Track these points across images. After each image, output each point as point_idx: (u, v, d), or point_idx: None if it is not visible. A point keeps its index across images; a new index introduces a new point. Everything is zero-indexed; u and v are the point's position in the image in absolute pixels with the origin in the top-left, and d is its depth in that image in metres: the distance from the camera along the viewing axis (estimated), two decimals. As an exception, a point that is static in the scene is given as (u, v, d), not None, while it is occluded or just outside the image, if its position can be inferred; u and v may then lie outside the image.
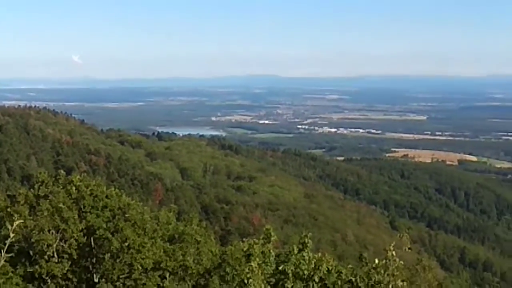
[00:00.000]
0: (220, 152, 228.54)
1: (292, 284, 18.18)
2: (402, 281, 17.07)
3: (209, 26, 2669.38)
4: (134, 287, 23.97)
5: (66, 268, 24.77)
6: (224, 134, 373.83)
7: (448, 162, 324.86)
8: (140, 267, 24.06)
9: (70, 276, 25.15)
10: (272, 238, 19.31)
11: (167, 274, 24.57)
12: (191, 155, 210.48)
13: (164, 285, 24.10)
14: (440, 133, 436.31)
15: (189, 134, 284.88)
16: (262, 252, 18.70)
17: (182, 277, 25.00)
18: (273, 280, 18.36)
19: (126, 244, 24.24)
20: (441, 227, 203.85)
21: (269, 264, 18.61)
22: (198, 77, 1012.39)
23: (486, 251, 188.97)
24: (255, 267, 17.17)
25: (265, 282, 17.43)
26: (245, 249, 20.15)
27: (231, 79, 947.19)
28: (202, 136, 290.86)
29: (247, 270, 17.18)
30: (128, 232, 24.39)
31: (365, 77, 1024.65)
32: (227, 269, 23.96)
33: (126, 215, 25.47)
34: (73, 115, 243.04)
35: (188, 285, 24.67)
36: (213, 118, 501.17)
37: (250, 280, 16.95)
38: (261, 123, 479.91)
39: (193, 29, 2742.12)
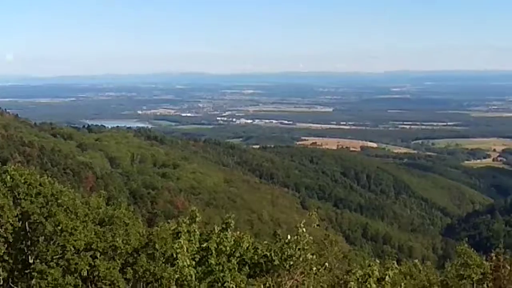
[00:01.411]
0: (146, 143, 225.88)
1: (215, 259, 18.21)
2: (312, 254, 17.30)
3: (142, 24, 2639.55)
4: (67, 266, 23.49)
5: (2, 251, 24.15)
6: (149, 126, 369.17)
7: (352, 149, 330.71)
8: (73, 248, 23.60)
9: (6, 258, 24.56)
10: (197, 219, 19.25)
11: (98, 254, 24.18)
12: (119, 145, 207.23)
13: (95, 264, 23.71)
14: (344, 123, 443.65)
15: (117, 126, 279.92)
16: (188, 231, 18.64)
17: (112, 256, 24.65)
18: (198, 256, 18.32)
19: (59, 227, 23.73)
20: (346, 206, 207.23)
21: (194, 242, 18.57)
22: (130, 74, 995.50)
23: (385, 226, 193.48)
24: (184, 244, 17.12)
25: (190, 258, 17.39)
26: (173, 228, 20.07)
27: (159, 76, 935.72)
28: (129, 128, 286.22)
29: (176, 246, 17.11)
30: (61, 216, 23.90)
31: (280, 74, 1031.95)
32: (157, 246, 23.76)
33: (59, 201, 24.94)
34: (7, 110, 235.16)
35: (118, 263, 24.35)
36: (140, 112, 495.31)
37: (179, 256, 16.88)
38: (184, 116, 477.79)
39: (127, 28, 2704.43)
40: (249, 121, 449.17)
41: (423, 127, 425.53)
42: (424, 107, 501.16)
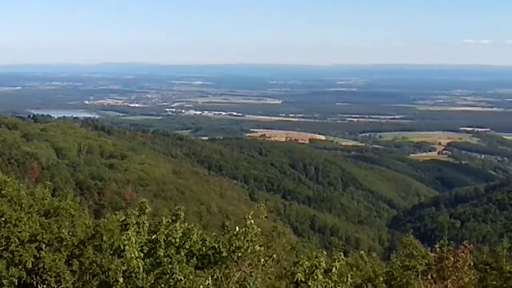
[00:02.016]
0: (94, 133, 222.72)
1: (163, 251, 18.12)
2: (260, 246, 17.37)
3: (93, 14, 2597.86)
4: (11, 258, 23.04)
5: None
6: (97, 116, 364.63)
7: (300, 141, 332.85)
8: (17, 240, 23.16)
9: None
10: (146, 210, 19.11)
11: (43, 246, 23.77)
12: (65, 135, 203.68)
13: (41, 255, 23.31)
14: (293, 115, 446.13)
15: (63, 117, 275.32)
16: (137, 223, 18.49)
17: (58, 248, 24.25)
18: (146, 248, 18.20)
19: (3, 219, 23.24)
20: (294, 198, 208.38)
21: (143, 234, 18.44)
22: (79, 64, 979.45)
23: (333, 218, 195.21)
24: (131, 235, 16.98)
25: (138, 250, 17.27)
26: (121, 219, 19.86)
27: (108, 66, 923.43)
28: (76, 118, 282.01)
29: (124, 238, 16.97)
30: (5, 207, 23.42)
31: (230, 65, 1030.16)
32: (104, 238, 23.49)
33: (3, 192, 24.44)
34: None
35: (63, 255, 23.98)
36: (87, 102, 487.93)
37: (126, 247, 16.74)
38: (132, 107, 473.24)
39: (76, 17, 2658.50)
40: (198, 112, 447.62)
41: (371, 120, 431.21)
42: (371, 100, 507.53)
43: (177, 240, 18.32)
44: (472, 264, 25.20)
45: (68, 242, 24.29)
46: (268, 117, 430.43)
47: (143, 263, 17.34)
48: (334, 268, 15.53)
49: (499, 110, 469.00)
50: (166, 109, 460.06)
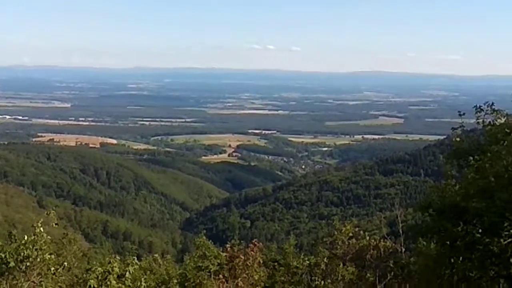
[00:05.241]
0: None
1: None
2: (50, 254, 16.82)
3: None
4: None
5: None
6: None
7: (91, 145, 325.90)
8: None
9: None
10: None
11: None
12: None
13: None
14: (83, 119, 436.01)
15: None
16: None
17: None
18: None
19: None
20: (86, 204, 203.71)
21: None
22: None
23: (125, 223, 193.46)
24: None
25: None
26: None
27: None
28: None
29: None
30: None
31: (18, 67, 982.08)
32: None
33: None
34: None
35: None
36: None
37: None
38: None
39: None
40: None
41: (162, 123, 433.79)
42: (163, 104, 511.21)
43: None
44: (261, 261, 26.37)
45: None
46: (56, 121, 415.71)
47: None
48: (127, 273, 15.48)
49: (284, 113, 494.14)
50: None
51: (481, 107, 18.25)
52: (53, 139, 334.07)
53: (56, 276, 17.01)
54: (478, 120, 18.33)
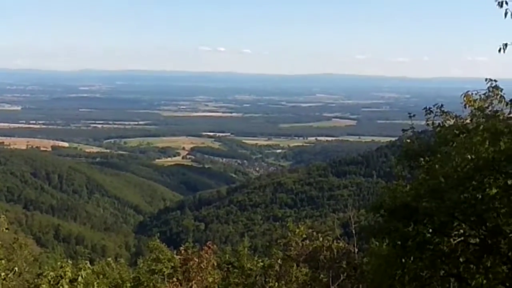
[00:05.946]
0: None
1: None
2: (0, 259, 16.54)
3: None
4: None
5: None
6: None
7: (42, 149, 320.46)
8: None
9: None
10: None
11: None
12: None
13: None
14: (34, 122, 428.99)
15: None
16: None
17: None
18: None
19: None
20: (37, 208, 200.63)
21: None
22: None
23: (78, 226, 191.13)
24: None
25: None
26: None
27: None
28: None
29: None
30: None
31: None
32: None
33: None
34: None
35: None
36: None
37: None
38: None
39: None
40: None
41: (115, 126, 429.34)
42: (115, 106, 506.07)
43: None
44: (215, 264, 26.39)
45: None
46: (7, 124, 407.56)
47: None
48: (80, 277, 15.31)
49: (238, 115, 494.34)
50: None
51: (431, 109, 18.45)
52: (3, 142, 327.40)
53: (6, 281, 16.71)
54: (428, 122, 18.53)
